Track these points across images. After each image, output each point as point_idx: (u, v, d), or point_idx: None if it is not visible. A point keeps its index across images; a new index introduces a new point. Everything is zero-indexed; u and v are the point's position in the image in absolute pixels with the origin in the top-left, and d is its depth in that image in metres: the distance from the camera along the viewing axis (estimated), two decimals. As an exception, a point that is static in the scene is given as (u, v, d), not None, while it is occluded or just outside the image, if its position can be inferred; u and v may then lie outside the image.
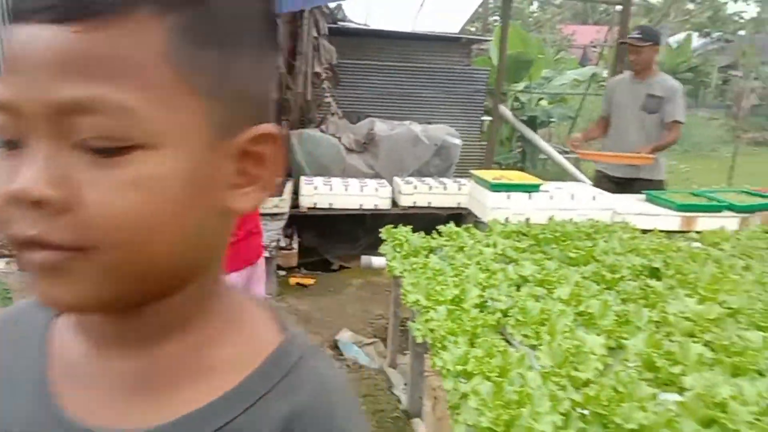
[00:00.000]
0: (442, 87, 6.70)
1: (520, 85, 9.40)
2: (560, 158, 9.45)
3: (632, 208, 3.71)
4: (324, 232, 5.57)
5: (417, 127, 5.92)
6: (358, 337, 3.87)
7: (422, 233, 2.99)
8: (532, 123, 9.36)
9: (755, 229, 3.20)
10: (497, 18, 19.58)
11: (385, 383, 3.08)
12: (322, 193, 5.07)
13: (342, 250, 5.66)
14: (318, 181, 5.22)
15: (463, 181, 5.60)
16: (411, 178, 5.52)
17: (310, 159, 5.55)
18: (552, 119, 9.41)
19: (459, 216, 5.57)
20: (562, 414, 1.22)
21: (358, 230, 5.59)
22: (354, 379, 3.07)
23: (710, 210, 3.73)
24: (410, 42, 6.87)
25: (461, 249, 2.70)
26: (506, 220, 3.62)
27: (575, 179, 9.46)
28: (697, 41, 25.93)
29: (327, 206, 5.10)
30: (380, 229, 2.98)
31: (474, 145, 6.95)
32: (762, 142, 19.92)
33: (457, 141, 5.94)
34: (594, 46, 18.84)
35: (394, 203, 5.31)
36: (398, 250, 2.71)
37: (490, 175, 4.04)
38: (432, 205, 5.29)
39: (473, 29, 16.04)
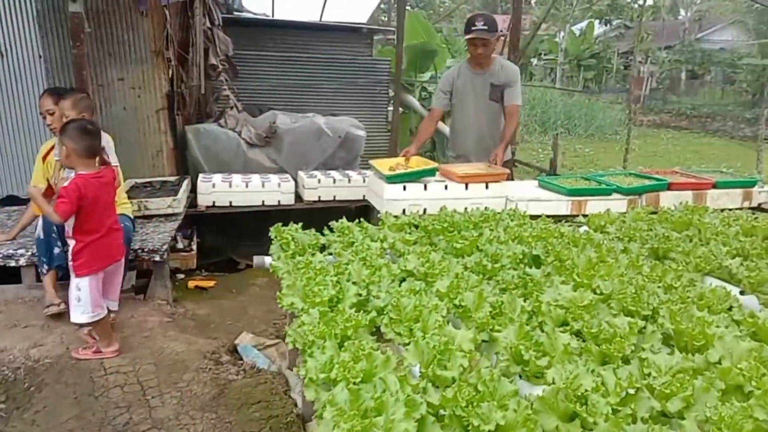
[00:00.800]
0: (345, 78, 6.62)
1: (426, 75, 9.44)
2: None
3: (525, 195, 3.77)
4: (228, 230, 5.39)
5: (320, 120, 5.82)
6: (259, 339, 3.75)
7: (313, 230, 2.91)
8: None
9: (639, 211, 3.31)
10: (409, 8, 19.72)
11: (282, 386, 2.99)
12: (221, 190, 4.89)
13: (248, 249, 5.49)
14: (217, 178, 5.03)
15: (368, 172, 5.55)
16: (315, 172, 5.42)
17: (208, 155, 5.34)
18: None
19: (367, 209, 5.54)
20: (416, 420, 1.17)
21: (264, 227, 5.43)
22: (250, 384, 2.96)
23: (599, 194, 3.84)
24: (312, 32, 6.74)
25: (351, 245, 2.63)
26: (403, 212, 3.60)
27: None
28: (599, 28, 27.06)
29: (227, 204, 4.92)
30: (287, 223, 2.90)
31: (380, 136, 6.92)
32: (660, 124, 21.06)
33: (361, 132, 5.89)
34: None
35: (299, 198, 5.19)
36: (285, 248, 2.61)
37: (386, 165, 4.01)
38: (338, 198, 5.21)
39: (384, 19, 16.07)
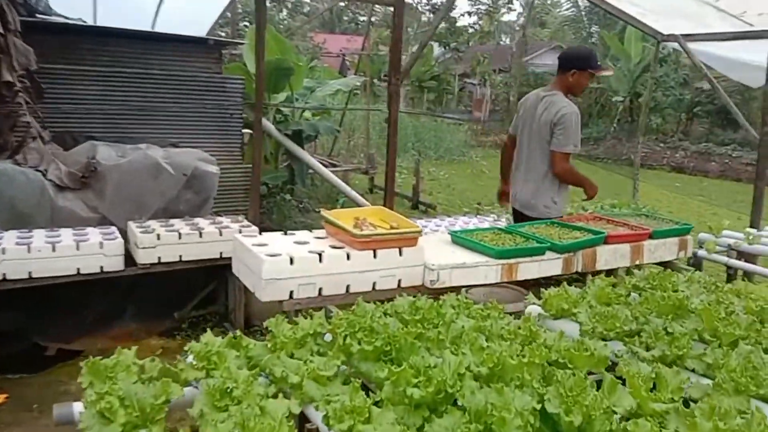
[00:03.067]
0: (188, 99, 5.39)
1: (281, 96, 8.39)
2: (330, 174, 8.67)
3: (446, 261, 2.87)
4: (31, 307, 3.94)
5: (158, 152, 4.55)
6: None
7: (154, 362, 1.78)
8: (298, 137, 8.42)
9: (601, 285, 2.54)
10: (247, 23, 18.42)
11: None
12: (15, 257, 3.48)
13: (61, 329, 4.08)
14: (8, 238, 3.60)
15: (224, 221, 4.38)
16: (152, 223, 4.15)
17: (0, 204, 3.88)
18: (318, 133, 8.57)
19: (221, 271, 4.37)
20: None
21: (84, 298, 4.08)
22: None
23: (532, 253, 3.06)
24: (144, 43, 5.40)
25: (223, 395, 1.56)
26: (290, 295, 2.55)
27: (347, 196, 8.79)
28: (437, 50, 27.62)
29: (25, 277, 3.52)
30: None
31: (236, 168, 5.75)
32: (500, 145, 21.71)
33: (213, 168, 4.70)
34: (353, 55, 18.70)
35: (131, 260, 3.90)
36: (108, 419, 1.46)
37: (349, 218, 2.97)
38: (185, 258, 4.00)
39: (223, 35, 14.67)
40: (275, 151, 8.59)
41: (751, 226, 5.36)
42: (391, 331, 1.82)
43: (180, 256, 3.97)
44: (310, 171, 8.88)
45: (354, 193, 8.85)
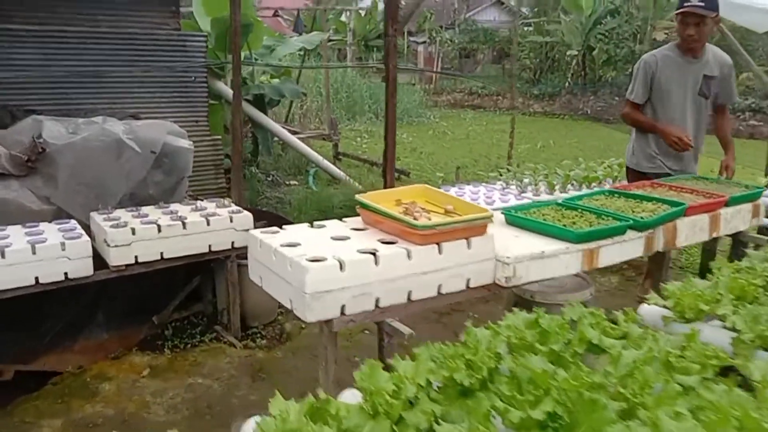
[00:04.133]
0: (144, 61, 4.60)
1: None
2: (299, 143, 7.95)
3: (521, 251, 2.30)
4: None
5: (118, 126, 3.77)
6: None
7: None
8: (260, 103, 7.64)
9: (730, 270, 2.02)
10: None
11: None
12: (-49, 270, 2.71)
13: (17, 347, 3.35)
14: (-59, 245, 2.82)
15: (208, 206, 3.67)
16: (122, 214, 3.41)
17: None
18: (283, 97, 7.80)
19: (207, 266, 3.69)
20: None
21: (45, 307, 3.35)
22: None
23: (613, 233, 2.53)
24: (86, -4, 4.54)
25: None
26: (342, 310, 1.94)
27: (318, 166, 8.10)
28: (382, 6, 26.63)
29: (-35, 292, 2.77)
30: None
31: (203, 141, 5.00)
32: (455, 104, 21.16)
33: (186, 143, 3.96)
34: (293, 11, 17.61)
35: (101, 262, 3.17)
36: None
37: (389, 201, 2.33)
38: (168, 256, 3.29)
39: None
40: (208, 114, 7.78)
41: None
42: (558, 384, 1.24)
43: (161, 254, 3.26)
44: (275, 139, 8.14)
45: (327, 163, 8.16)
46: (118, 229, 3.12)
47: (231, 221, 3.43)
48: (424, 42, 27.69)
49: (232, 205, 3.70)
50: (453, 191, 5.00)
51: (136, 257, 3.18)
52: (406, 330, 2.01)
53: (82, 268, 3.03)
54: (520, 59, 19.96)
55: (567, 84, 19.63)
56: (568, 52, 19.36)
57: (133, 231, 3.15)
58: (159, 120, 4.19)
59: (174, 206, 3.64)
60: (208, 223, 3.36)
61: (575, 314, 1.70)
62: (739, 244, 3.22)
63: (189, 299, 4.01)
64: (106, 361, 3.30)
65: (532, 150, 12.44)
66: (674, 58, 3.73)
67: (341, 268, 1.94)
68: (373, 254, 2.02)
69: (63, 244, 2.97)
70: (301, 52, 9.49)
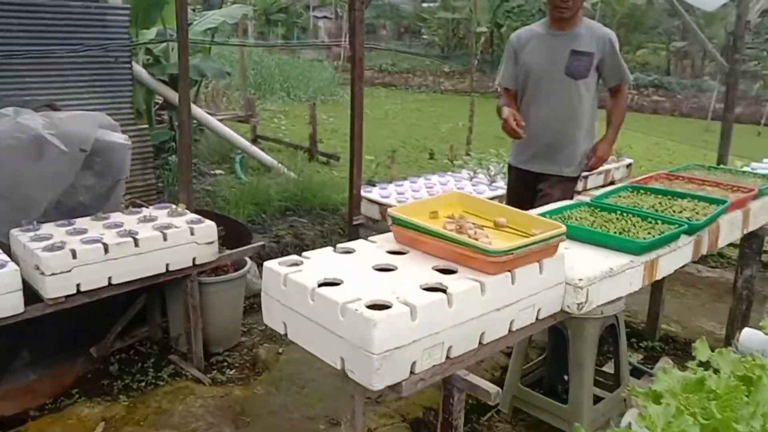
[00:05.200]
0: (57, 38, 3.82)
1: (151, 32, 6.73)
2: (222, 127, 7.25)
3: (589, 271, 1.93)
4: None
5: (35, 119, 3.05)
6: None
7: None
8: (177, 84, 6.85)
9: None
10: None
11: None
12: None
13: None
14: None
15: (159, 215, 3.04)
16: (53, 230, 2.74)
17: None
18: (204, 77, 7.04)
19: (160, 295, 3.08)
20: None
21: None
22: None
23: (669, 241, 2.22)
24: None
25: None
26: (414, 368, 1.50)
27: (245, 152, 7.42)
28: (282, -21, 25.55)
29: None
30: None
31: (127, 131, 4.26)
32: (366, 82, 20.66)
33: (121, 138, 3.28)
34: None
35: (33, 295, 2.51)
36: None
37: (422, 214, 1.84)
38: (116, 281, 2.66)
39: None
40: (148, 103, 6.98)
41: (719, 163, 5.00)
42: None
43: (109, 279, 2.63)
44: (194, 123, 7.38)
45: (254, 149, 7.50)
46: (55, 253, 2.47)
47: (192, 234, 2.84)
48: (324, 17, 26.94)
49: (187, 212, 3.10)
50: (421, 182, 4.61)
51: (78, 286, 2.54)
52: (489, 387, 1.59)
53: (9, 305, 2.37)
54: (425, 35, 19.77)
55: (476, 62, 19.64)
56: (477, 29, 19.34)
57: (74, 254, 2.51)
58: (83, 111, 3.48)
59: (114, 216, 2.99)
60: (165, 238, 2.76)
61: (725, 364, 1.36)
62: (754, 240, 3.04)
63: (131, 322, 3.38)
64: (45, 417, 2.64)
65: (455, 129, 12.26)
66: (539, 33, 3.17)
67: (412, 315, 1.48)
68: (444, 292, 1.58)
69: (-18, 275, 2.30)
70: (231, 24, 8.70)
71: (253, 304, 3.72)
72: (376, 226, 4.30)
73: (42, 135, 3.00)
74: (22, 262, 2.60)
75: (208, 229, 2.91)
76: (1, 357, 2.91)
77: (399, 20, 23.55)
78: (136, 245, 2.68)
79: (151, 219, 2.94)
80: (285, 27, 25.36)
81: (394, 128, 12.30)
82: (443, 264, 1.76)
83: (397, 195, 4.10)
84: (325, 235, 5.71)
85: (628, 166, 5.42)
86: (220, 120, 8.28)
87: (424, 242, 1.83)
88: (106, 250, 2.59)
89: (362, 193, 4.09)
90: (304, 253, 1.83)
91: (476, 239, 1.74)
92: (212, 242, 2.93)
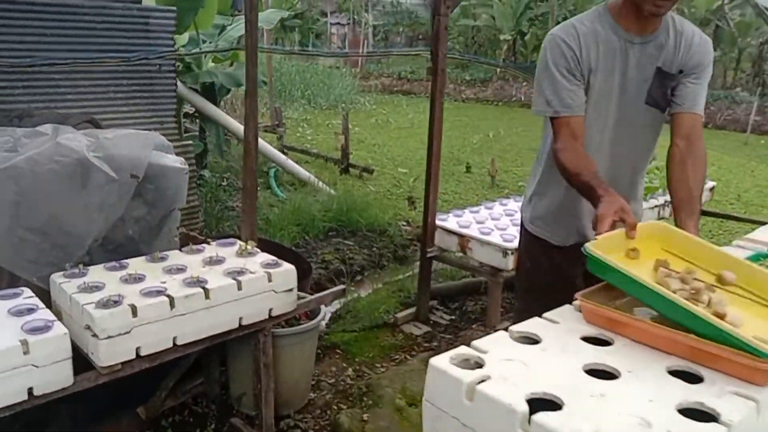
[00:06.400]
0: (96, 45, 3.37)
1: (183, 38, 6.28)
2: (261, 142, 6.78)
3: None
4: None
5: (79, 139, 2.58)
6: None
7: None
8: (210, 93, 6.41)
9: None
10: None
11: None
12: None
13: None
14: None
15: (221, 252, 2.56)
16: (102, 274, 2.26)
17: None
18: (240, 85, 6.59)
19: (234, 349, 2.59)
20: None
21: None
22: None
23: None
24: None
25: None
26: None
27: (281, 166, 6.96)
28: (298, -15, 25.17)
29: None
30: None
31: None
32: (384, 90, 20.22)
33: (176, 161, 2.81)
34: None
35: (83, 363, 2.03)
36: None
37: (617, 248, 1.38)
38: (181, 341, 2.18)
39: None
40: (177, 113, 6.52)
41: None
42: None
43: (174, 339, 2.15)
44: (227, 136, 6.93)
45: (291, 163, 7.03)
46: (111, 310, 1.99)
47: (269, 280, 2.36)
48: (338, 24, 26.53)
49: (257, 250, 2.61)
50: (498, 209, 4.11)
51: (137, 350, 2.06)
52: None
53: (56, 378, 1.89)
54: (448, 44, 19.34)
55: (498, 70, 19.18)
56: (501, 37, 18.90)
57: (134, 311, 2.02)
58: (128, 127, 3.02)
59: (173, 257, 2.51)
60: (240, 287, 2.27)
61: None
62: None
63: (184, 376, 2.90)
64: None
65: (486, 141, 11.79)
66: (605, 36, 1.94)
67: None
68: (714, 419, 1.09)
69: (25, 343, 1.82)
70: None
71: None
72: (446, 256, 3.82)
73: (87, 158, 2.53)
74: (66, 316, 2.13)
75: (287, 274, 2.42)
76: (35, 425, 2.44)
77: (417, 27, 23.12)
78: (207, 297, 2.19)
79: (218, 261, 2.46)
80: (300, 33, 25.00)
81: (422, 138, 11.76)
82: (674, 363, 1.27)
83: (476, 224, 3.62)
84: (374, 259, 5.24)
85: (711, 189, 4.93)
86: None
87: (647, 332, 1.33)
88: (171, 305, 2.11)
89: (437, 222, 3.61)
90: (474, 343, 1.35)
91: (720, 313, 1.25)
92: (291, 289, 2.44)
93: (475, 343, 1.35)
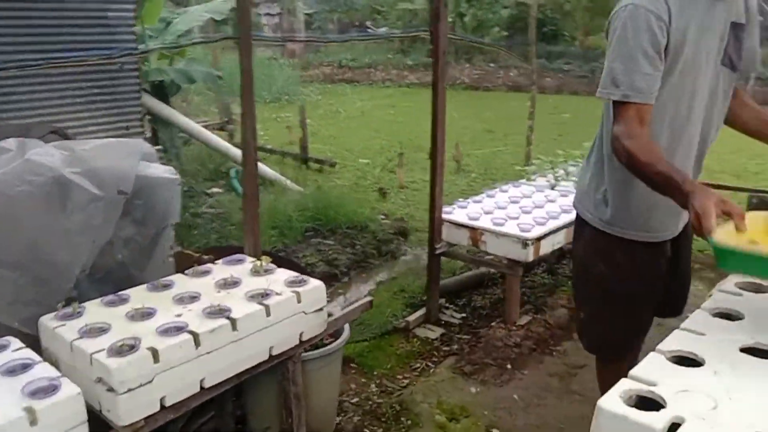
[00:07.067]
0: (50, 42, 2.94)
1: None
2: (216, 138, 6.38)
3: None
4: None
5: (50, 155, 2.19)
6: None
7: None
8: (160, 92, 5.96)
9: None
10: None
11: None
12: None
13: None
14: None
15: (235, 273, 2.23)
16: (99, 310, 1.91)
17: None
18: (194, 82, 6.14)
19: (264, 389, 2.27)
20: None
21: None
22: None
23: None
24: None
25: None
26: None
27: (237, 161, 6.55)
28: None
29: None
30: None
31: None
32: (324, 79, 19.76)
33: (166, 171, 2.45)
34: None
35: (96, 421, 1.68)
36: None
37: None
38: (208, 384, 1.86)
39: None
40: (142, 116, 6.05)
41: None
42: None
43: (201, 382, 1.83)
44: (181, 135, 6.47)
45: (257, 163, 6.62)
46: (129, 357, 1.65)
47: (299, 301, 2.06)
48: (267, 14, 25.81)
49: (273, 266, 2.30)
50: (501, 197, 3.89)
51: (162, 400, 1.73)
52: None
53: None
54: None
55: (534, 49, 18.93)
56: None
57: (155, 355, 1.69)
58: (100, 137, 2.63)
59: (179, 282, 2.17)
60: (268, 313, 1.96)
61: None
62: None
63: (192, 412, 2.56)
64: None
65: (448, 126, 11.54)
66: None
67: None
68: None
69: (31, 411, 1.47)
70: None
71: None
72: (455, 251, 3.58)
73: (64, 175, 2.16)
74: (66, 368, 1.77)
75: (316, 292, 2.13)
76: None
77: (352, 13, 22.71)
78: (234, 328, 1.87)
79: (234, 283, 2.13)
80: (233, 27, 24.17)
81: (375, 127, 11.53)
82: None
83: (486, 215, 3.39)
84: (358, 258, 4.95)
85: None
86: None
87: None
88: (196, 343, 1.78)
89: (443, 216, 3.36)
90: (633, 373, 1.10)
91: None
92: (321, 309, 2.15)
93: (634, 373, 1.11)
